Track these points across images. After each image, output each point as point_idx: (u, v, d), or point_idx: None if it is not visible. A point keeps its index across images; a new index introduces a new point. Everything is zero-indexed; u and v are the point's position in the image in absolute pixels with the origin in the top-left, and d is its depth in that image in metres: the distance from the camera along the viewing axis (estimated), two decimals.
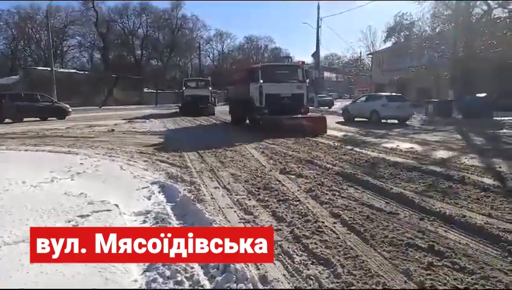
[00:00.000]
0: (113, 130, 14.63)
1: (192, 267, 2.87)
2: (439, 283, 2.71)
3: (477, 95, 18.37)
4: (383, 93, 21.33)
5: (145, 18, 61.32)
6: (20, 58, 57.47)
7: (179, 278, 2.67)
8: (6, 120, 19.98)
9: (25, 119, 20.51)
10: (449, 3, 22.72)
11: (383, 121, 17.81)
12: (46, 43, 52.19)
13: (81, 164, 7.37)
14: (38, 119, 21.32)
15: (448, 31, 22.92)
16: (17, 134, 13.37)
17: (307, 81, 14.71)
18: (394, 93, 21.06)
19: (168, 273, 2.75)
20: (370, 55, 48.97)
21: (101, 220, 3.87)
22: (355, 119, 19.14)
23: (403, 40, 27.70)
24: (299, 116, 13.46)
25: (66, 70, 47.24)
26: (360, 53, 62.33)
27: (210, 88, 27.22)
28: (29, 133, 13.68)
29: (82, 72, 48.69)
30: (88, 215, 3.99)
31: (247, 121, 17.01)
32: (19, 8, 53.89)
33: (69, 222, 3.78)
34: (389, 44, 31.91)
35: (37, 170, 6.62)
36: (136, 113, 27.60)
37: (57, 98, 26.27)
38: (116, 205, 4.44)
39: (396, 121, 17.84)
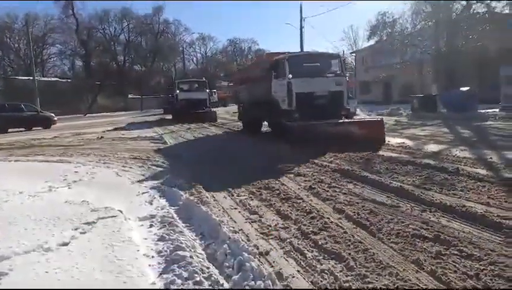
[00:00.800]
0: (102, 137, 14.47)
1: (208, 267, 2.91)
2: (450, 271, 2.80)
3: (461, 88, 18.77)
4: None
5: (126, 24, 60.79)
6: None
7: (198, 279, 2.69)
8: None
9: (9, 130, 20.13)
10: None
11: None
12: (25, 52, 51.28)
13: (75, 172, 7.30)
14: (23, 129, 20.95)
15: (430, 27, 23.35)
16: (4, 145, 13.13)
17: (347, 75, 11.52)
18: None
19: (185, 274, 2.78)
20: (353, 54, 49.46)
21: (108, 226, 3.86)
22: None
23: (385, 37, 28.07)
24: (345, 120, 10.35)
25: (48, 79, 46.50)
26: (343, 52, 62.73)
27: (207, 90, 24.42)
28: (16, 143, 13.46)
29: (64, 80, 47.95)
30: (94, 222, 3.97)
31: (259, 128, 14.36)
32: None
33: (76, 229, 3.76)
34: (372, 42, 32.31)
35: (31, 180, 6.53)
36: (122, 120, 27.30)
37: (40, 107, 25.83)
38: (120, 211, 4.43)
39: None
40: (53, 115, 22.96)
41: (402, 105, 22.62)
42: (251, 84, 14.35)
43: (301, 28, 33.46)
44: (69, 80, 49.20)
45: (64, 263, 3.01)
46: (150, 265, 3.04)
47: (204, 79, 26.00)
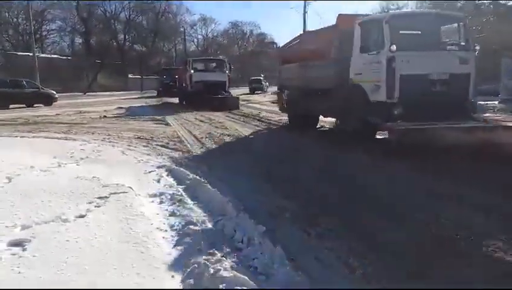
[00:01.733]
0: (104, 116, 14.58)
1: (219, 241, 3.10)
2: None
3: None
4: None
5: (127, 1, 60.06)
6: None
7: (211, 251, 2.87)
8: None
9: (11, 106, 20.15)
10: None
11: None
12: (24, 27, 50.75)
13: (82, 149, 7.45)
14: (24, 106, 20.98)
15: None
16: (7, 121, 13.20)
17: (477, 48, 7.27)
18: None
19: (198, 246, 2.96)
20: None
21: (120, 201, 4.04)
22: None
23: None
24: (493, 123, 6.95)
25: (48, 56, 46.14)
26: None
27: (227, 72, 20.08)
28: (19, 120, 13.53)
29: (64, 58, 47.60)
30: (107, 197, 4.14)
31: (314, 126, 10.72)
32: None
33: (91, 203, 3.93)
34: None
35: (39, 155, 6.67)
36: (123, 100, 27.28)
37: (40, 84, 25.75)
38: (131, 188, 4.59)
39: None
40: (54, 92, 22.94)
41: None
42: (308, 62, 9.95)
43: (304, 12, 33.29)
44: (68, 58, 48.83)
45: (83, 233, 3.19)
46: (163, 237, 3.22)
47: (221, 57, 23.17)
